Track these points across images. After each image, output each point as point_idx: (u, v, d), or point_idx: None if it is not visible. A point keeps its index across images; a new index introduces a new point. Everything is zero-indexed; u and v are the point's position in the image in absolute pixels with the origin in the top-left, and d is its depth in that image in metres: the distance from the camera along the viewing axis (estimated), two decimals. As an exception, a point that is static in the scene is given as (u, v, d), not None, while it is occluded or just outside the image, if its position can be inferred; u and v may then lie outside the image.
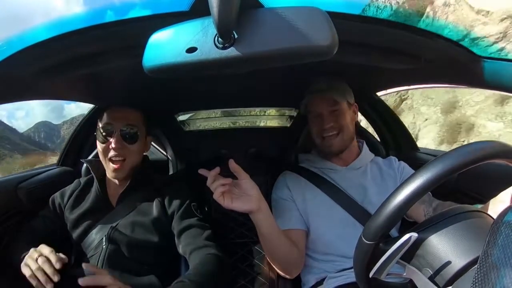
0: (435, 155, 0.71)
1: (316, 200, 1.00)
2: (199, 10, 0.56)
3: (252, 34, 0.48)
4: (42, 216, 1.01)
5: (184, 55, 0.50)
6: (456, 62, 0.78)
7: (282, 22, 0.48)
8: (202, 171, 0.77)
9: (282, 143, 1.63)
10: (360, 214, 0.96)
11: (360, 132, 1.42)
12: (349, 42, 0.70)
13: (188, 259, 0.92)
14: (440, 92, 7.33)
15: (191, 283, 0.76)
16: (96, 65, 0.75)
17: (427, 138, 7.19)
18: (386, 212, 0.47)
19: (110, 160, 0.97)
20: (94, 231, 0.97)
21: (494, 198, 0.56)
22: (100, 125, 0.98)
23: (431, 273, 0.46)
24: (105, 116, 0.99)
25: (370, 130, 1.66)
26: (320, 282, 0.95)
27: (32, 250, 0.80)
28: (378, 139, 1.60)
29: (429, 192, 0.95)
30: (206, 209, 1.44)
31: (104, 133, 0.97)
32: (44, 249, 0.79)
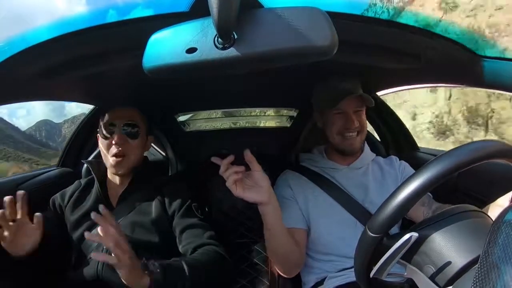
0: (435, 155, 0.71)
1: (317, 199, 1.00)
2: (199, 11, 0.56)
3: (252, 35, 0.48)
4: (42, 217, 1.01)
5: (184, 56, 0.50)
6: (456, 61, 0.78)
7: (282, 22, 0.48)
8: (214, 159, 0.78)
9: (282, 143, 1.63)
10: (361, 214, 0.96)
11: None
12: (349, 42, 0.70)
13: None
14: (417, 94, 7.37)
15: (186, 266, 0.78)
16: (95, 66, 0.75)
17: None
18: (392, 205, 0.47)
19: (111, 155, 0.98)
20: (95, 231, 0.97)
21: (493, 203, 0.56)
22: (103, 123, 1.00)
23: (434, 270, 0.46)
24: (107, 115, 1.00)
25: (369, 128, 1.66)
26: (321, 282, 0.95)
27: None
28: (378, 138, 1.60)
29: (429, 194, 0.95)
30: (207, 209, 1.44)
31: (106, 130, 0.99)
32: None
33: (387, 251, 0.48)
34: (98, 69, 0.77)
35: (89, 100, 1.17)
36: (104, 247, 0.92)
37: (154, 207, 1.00)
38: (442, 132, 6.84)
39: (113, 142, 0.97)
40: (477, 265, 0.38)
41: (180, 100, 1.38)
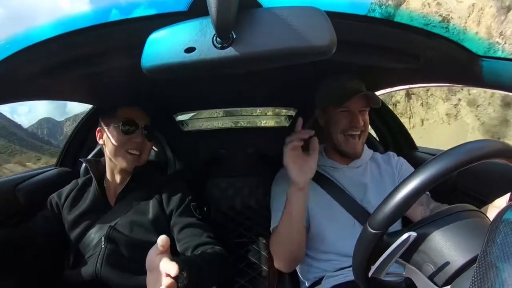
0: (434, 154, 0.71)
1: (316, 198, 1.00)
2: (197, 10, 0.56)
3: (251, 34, 0.48)
4: (40, 217, 1.01)
5: (182, 55, 0.50)
6: (455, 61, 0.79)
7: (281, 22, 0.48)
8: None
9: (281, 142, 1.63)
10: (359, 213, 0.96)
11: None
12: (348, 42, 0.70)
13: None
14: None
15: (200, 262, 0.78)
16: (94, 65, 0.75)
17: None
18: (394, 202, 0.47)
19: (127, 152, 0.99)
20: (93, 230, 0.97)
21: (490, 204, 0.56)
22: (120, 120, 1.00)
23: (433, 269, 0.46)
24: (125, 113, 1.01)
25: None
26: (318, 281, 0.96)
27: None
28: (377, 138, 1.61)
29: (428, 194, 0.95)
30: (205, 209, 1.44)
31: (128, 127, 1.00)
32: None
33: (387, 248, 0.48)
34: (97, 68, 0.77)
35: (88, 99, 1.17)
36: (102, 246, 0.92)
37: (152, 206, 1.00)
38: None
39: (133, 140, 0.99)
40: (475, 264, 0.38)
41: (179, 99, 1.38)
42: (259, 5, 0.53)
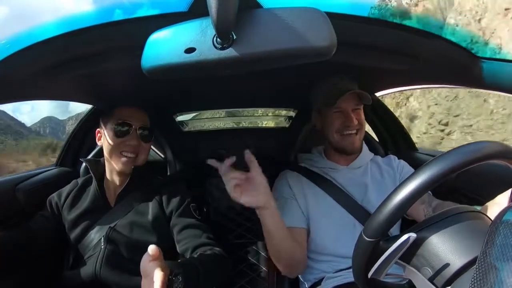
0: (433, 155, 0.71)
1: (317, 199, 1.00)
2: (197, 11, 0.56)
3: (251, 35, 0.48)
4: (40, 217, 1.00)
5: (182, 56, 0.50)
6: (455, 62, 0.79)
7: (281, 22, 0.48)
8: (211, 162, 0.79)
9: (281, 143, 1.63)
10: (360, 214, 0.96)
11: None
12: (348, 43, 0.70)
13: (188, 257, 0.92)
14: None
15: (198, 265, 0.78)
16: (94, 66, 0.75)
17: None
18: (387, 210, 0.47)
19: (122, 154, 0.98)
20: (93, 231, 0.96)
21: (491, 201, 0.56)
22: (115, 121, 0.99)
23: (431, 272, 0.46)
24: (120, 114, 1.00)
25: (368, 129, 1.66)
26: (318, 282, 0.95)
27: None
28: (377, 139, 1.61)
29: (429, 192, 0.95)
30: (205, 210, 1.44)
31: (121, 129, 0.98)
32: None
33: (383, 253, 0.48)
34: (96, 68, 0.77)
35: (87, 100, 1.17)
36: (102, 246, 0.92)
37: (152, 207, 1.00)
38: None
39: (127, 142, 0.97)
40: (475, 266, 0.38)
41: (179, 100, 1.38)
42: (259, 6, 0.53)
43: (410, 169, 1.06)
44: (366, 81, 1.11)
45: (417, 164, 0.58)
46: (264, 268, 1.24)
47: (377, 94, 1.40)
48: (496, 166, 0.62)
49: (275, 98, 1.47)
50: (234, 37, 0.48)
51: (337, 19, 0.52)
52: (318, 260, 0.98)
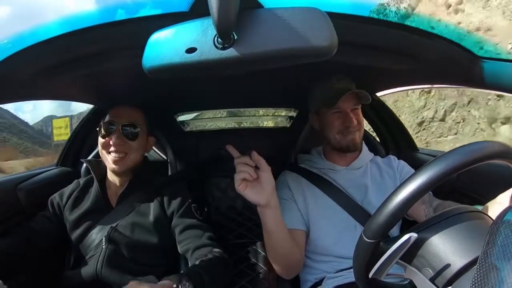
0: (435, 155, 0.71)
1: (316, 201, 1.00)
2: (198, 11, 0.56)
3: (252, 35, 0.48)
4: (42, 217, 1.01)
5: (183, 56, 0.50)
6: (455, 62, 0.79)
7: (282, 22, 0.48)
8: (229, 148, 0.79)
9: (281, 143, 1.63)
10: (360, 214, 0.96)
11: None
12: (348, 43, 0.70)
13: (189, 258, 0.93)
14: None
15: (202, 274, 0.79)
16: (95, 66, 0.75)
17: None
18: (387, 211, 0.47)
19: (110, 154, 0.97)
20: (94, 231, 0.97)
21: (492, 201, 0.56)
22: (102, 122, 0.99)
23: (432, 273, 0.46)
24: (107, 115, 1.00)
25: (367, 129, 1.66)
26: (319, 282, 0.95)
27: None
28: (377, 139, 1.60)
29: (430, 192, 0.95)
30: (206, 210, 1.44)
31: (105, 130, 0.97)
32: None
33: (383, 254, 0.48)
34: (98, 68, 0.77)
35: (89, 99, 1.17)
36: (103, 247, 0.93)
37: (153, 207, 1.00)
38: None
39: (111, 142, 0.96)
40: (476, 266, 0.38)
41: (180, 100, 1.38)
42: (260, 6, 0.53)
43: (410, 170, 1.05)
44: (366, 81, 1.11)
45: (418, 164, 0.58)
46: (265, 268, 1.24)
47: (378, 94, 1.40)
48: (497, 166, 0.62)
49: (276, 98, 1.47)
50: (235, 37, 0.48)
51: (338, 19, 0.52)
52: (319, 261, 0.98)
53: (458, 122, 5.95)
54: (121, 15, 0.63)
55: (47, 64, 0.73)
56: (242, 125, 2.17)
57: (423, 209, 0.91)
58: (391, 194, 0.48)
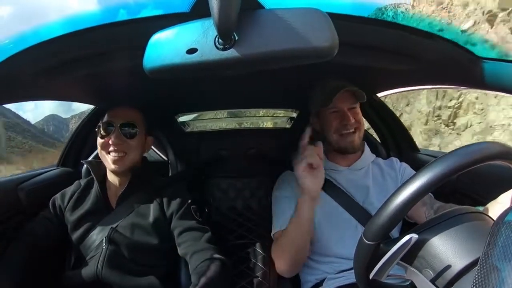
0: (436, 156, 0.71)
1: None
2: (199, 11, 0.56)
3: (253, 36, 0.48)
4: (42, 217, 1.01)
5: (184, 56, 0.50)
6: (456, 63, 0.79)
7: (283, 23, 0.48)
8: (308, 131, 0.86)
9: (282, 144, 1.63)
10: (361, 215, 0.96)
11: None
12: (349, 43, 0.70)
13: (188, 261, 0.93)
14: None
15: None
16: (96, 66, 0.75)
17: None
18: (387, 213, 0.47)
19: (109, 154, 0.97)
20: (94, 232, 0.97)
21: (493, 201, 0.56)
22: (101, 122, 0.99)
23: (432, 274, 0.46)
24: (106, 115, 1.00)
25: (370, 130, 1.66)
26: (320, 283, 0.95)
27: None
28: (378, 140, 1.60)
29: (430, 194, 0.95)
30: (206, 210, 1.44)
31: (104, 130, 0.98)
32: None
33: (384, 256, 0.48)
34: (99, 69, 0.77)
35: (90, 100, 1.17)
36: (104, 247, 0.93)
37: (153, 208, 1.00)
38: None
39: (110, 142, 0.96)
40: (477, 267, 0.38)
41: (181, 100, 1.38)
42: (261, 7, 0.53)
43: (412, 172, 1.05)
44: (367, 82, 1.11)
45: (419, 165, 0.58)
46: (265, 269, 1.24)
47: (379, 94, 1.40)
48: (498, 166, 0.62)
49: (276, 98, 1.47)
50: (236, 37, 0.48)
51: (339, 20, 0.52)
52: (320, 261, 0.98)
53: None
54: (122, 16, 0.64)
55: (48, 64, 0.73)
56: (243, 126, 2.17)
57: (424, 211, 0.91)
58: (391, 196, 0.48)
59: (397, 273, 0.53)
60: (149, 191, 1.03)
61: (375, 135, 1.63)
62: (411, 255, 0.48)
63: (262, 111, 2.04)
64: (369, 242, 0.49)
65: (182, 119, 1.67)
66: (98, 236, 0.96)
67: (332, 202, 0.99)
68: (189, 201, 1.02)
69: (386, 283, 0.54)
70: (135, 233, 0.96)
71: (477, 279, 0.36)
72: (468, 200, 1.03)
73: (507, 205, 0.51)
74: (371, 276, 0.51)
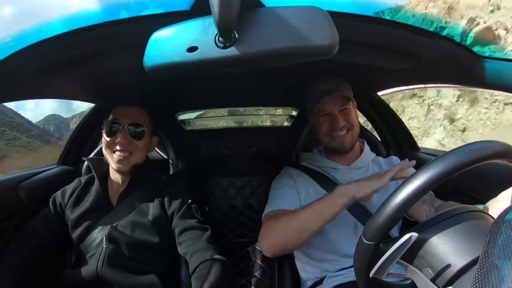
0: (436, 155, 0.71)
1: (318, 197, 0.99)
2: (200, 10, 0.56)
3: (253, 34, 0.48)
4: (43, 216, 1.01)
5: (184, 55, 0.50)
6: (456, 62, 0.78)
7: (283, 21, 0.48)
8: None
9: (282, 142, 1.63)
10: (361, 213, 0.96)
11: (360, 132, 1.42)
12: (350, 42, 0.70)
13: (188, 261, 0.93)
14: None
15: None
16: (97, 65, 0.75)
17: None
18: (386, 212, 0.47)
19: (114, 153, 0.97)
20: (95, 230, 0.97)
21: (493, 199, 0.55)
22: (107, 120, 0.99)
23: (432, 273, 0.46)
24: (114, 113, 1.00)
25: (369, 128, 1.66)
26: (320, 281, 0.95)
27: None
28: (379, 138, 1.60)
29: (431, 192, 0.95)
30: (207, 208, 1.44)
31: (111, 128, 0.98)
32: None
33: (383, 255, 0.48)
34: (99, 67, 0.77)
35: (90, 98, 1.17)
36: (104, 245, 0.93)
37: (153, 207, 1.00)
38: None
39: (116, 141, 0.96)
40: (476, 266, 0.38)
41: (181, 98, 1.38)
42: (262, 5, 0.53)
43: (411, 170, 1.05)
44: (367, 80, 1.11)
45: (419, 164, 0.58)
46: (265, 267, 1.24)
47: (380, 93, 1.40)
48: (498, 165, 0.62)
49: (277, 97, 1.47)
50: (236, 36, 0.48)
51: (339, 18, 0.52)
52: (320, 259, 0.98)
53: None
54: (123, 14, 0.64)
55: (49, 62, 0.73)
56: (243, 124, 2.17)
57: (424, 210, 0.91)
58: (390, 196, 0.48)
59: (398, 272, 0.53)
60: (150, 189, 1.03)
61: (375, 133, 1.63)
62: (411, 254, 0.48)
63: (262, 110, 2.04)
64: (368, 242, 0.49)
65: (182, 117, 1.67)
66: (98, 234, 0.96)
67: None
68: (190, 200, 1.02)
69: (386, 281, 0.54)
70: (136, 231, 0.96)
71: (477, 278, 0.36)
72: (468, 199, 1.03)
73: (508, 203, 0.51)
74: (371, 274, 0.51)
